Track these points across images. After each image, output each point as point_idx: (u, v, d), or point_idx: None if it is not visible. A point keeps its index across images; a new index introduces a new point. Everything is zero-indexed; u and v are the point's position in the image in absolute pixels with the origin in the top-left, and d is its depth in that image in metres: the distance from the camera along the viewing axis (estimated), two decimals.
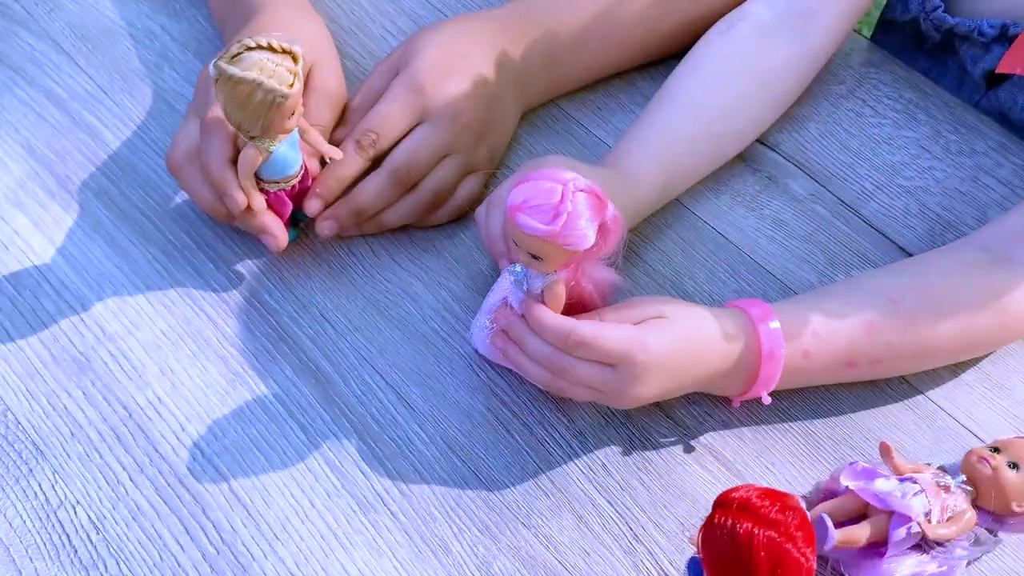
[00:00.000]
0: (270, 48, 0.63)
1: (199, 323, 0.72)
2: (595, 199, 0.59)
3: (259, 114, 0.64)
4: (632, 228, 0.75)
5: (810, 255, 0.76)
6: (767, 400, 0.66)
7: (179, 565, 0.62)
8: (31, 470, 0.65)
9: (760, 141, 0.81)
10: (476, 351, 0.70)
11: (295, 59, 0.64)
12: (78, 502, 0.64)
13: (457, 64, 0.75)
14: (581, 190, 0.58)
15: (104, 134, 0.81)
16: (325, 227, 0.73)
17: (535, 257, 0.60)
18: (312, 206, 0.72)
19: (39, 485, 0.65)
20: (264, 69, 0.62)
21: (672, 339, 0.63)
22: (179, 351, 0.70)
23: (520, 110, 0.81)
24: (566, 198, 0.57)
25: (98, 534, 0.63)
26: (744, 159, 0.80)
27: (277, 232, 0.71)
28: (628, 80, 0.84)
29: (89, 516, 0.64)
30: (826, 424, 0.68)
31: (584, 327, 0.62)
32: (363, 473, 0.65)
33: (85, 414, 0.68)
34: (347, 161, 0.73)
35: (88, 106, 0.83)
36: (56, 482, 0.65)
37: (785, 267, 0.75)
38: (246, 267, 0.74)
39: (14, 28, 0.86)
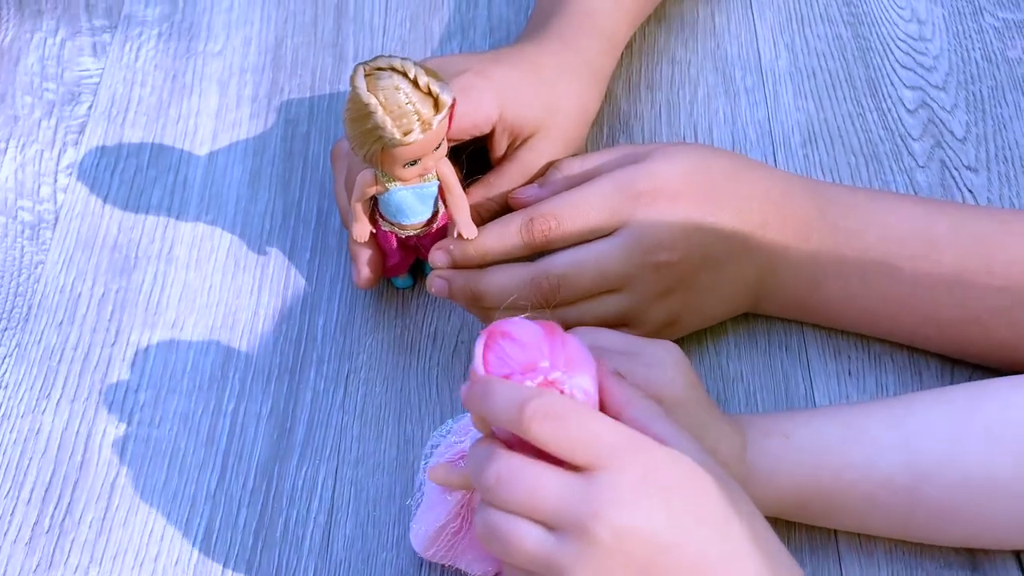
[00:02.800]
0: (414, 82, 0.48)
1: (243, 301, 0.60)
2: None
3: (365, 143, 0.49)
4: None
5: None
6: None
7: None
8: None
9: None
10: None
11: (438, 107, 0.48)
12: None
13: (695, 206, 0.53)
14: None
15: (346, 64, 0.70)
16: (435, 284, 0.56)
17: None
18: (437, 258, 0.56)
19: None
20: (389, 100, 0.47)
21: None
22: (204, 315, 0.59)
23: (745, 301, 0.57)
24: None
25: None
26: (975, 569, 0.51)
27: (361, 269, 0.57)
28: (916, 361, 0.57)
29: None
30: None
31: (564, 401, 0.40)
32: (220, 570, 0.51)
33: (84, 314, 0.59)
34: (504, 235, 0.54)
35: (361, 21, 0.72)
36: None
37: None
38: (331, 281, 0.61)
39: None
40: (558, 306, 0.53)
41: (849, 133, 0.68)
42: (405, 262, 0.59)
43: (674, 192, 0.53)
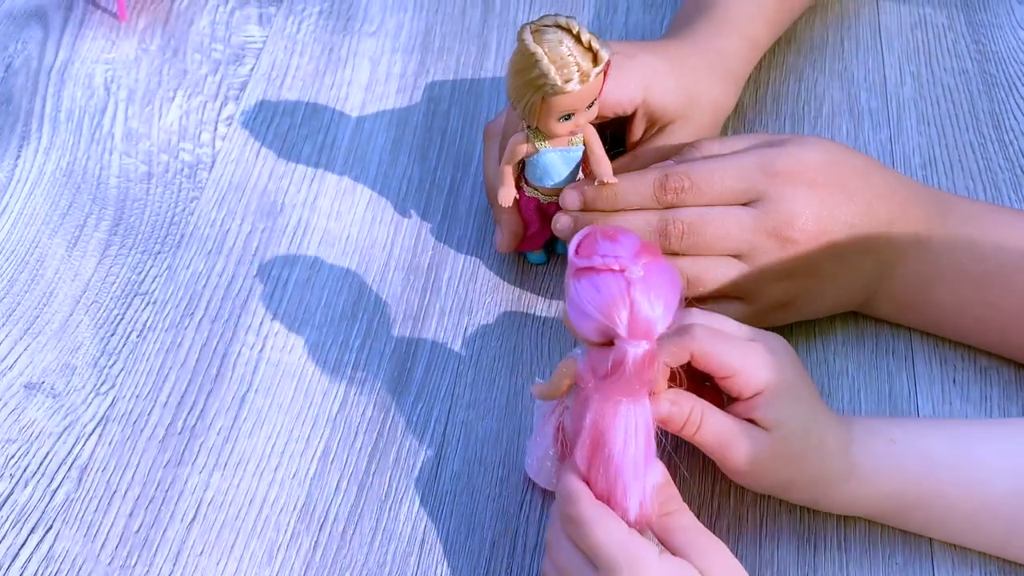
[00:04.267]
0: (576, 37, 0.52)
1: (377, 252, 0.63)
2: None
3: (524, 92, 0.53)
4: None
5: None
6: None
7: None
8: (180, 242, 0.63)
9: None
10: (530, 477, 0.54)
11: (596, 61, 0.52)
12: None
13: (829, 195, 0.55)
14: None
15: (489, 54, 0.74)
16: (561, 221, 0.57)
17: None
18: (570, 198, 0.56)
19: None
20: (553, 51, 0.51)
21: None
22: (340, 260, 0.63)
23: (859, 296, 0.58)
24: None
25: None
26: None
27: (504, 232, 0.60)
28: (1022, 377, 0.58)
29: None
30: None
31: (589, 506, 0.45)
32: (334, 487, 0.54)
33: (232, 247, 0.64)
34: (639, 184, 0.55)
35: (505, 16, 0.76)
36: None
37: None
38: (458, 242, 0.64)
39: None
40: (680, 255, 0.55)
41: (969, 160, 0.69)
42: (542, 235, 0.61)
43: (811, 178, 0.55)
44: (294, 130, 0.70)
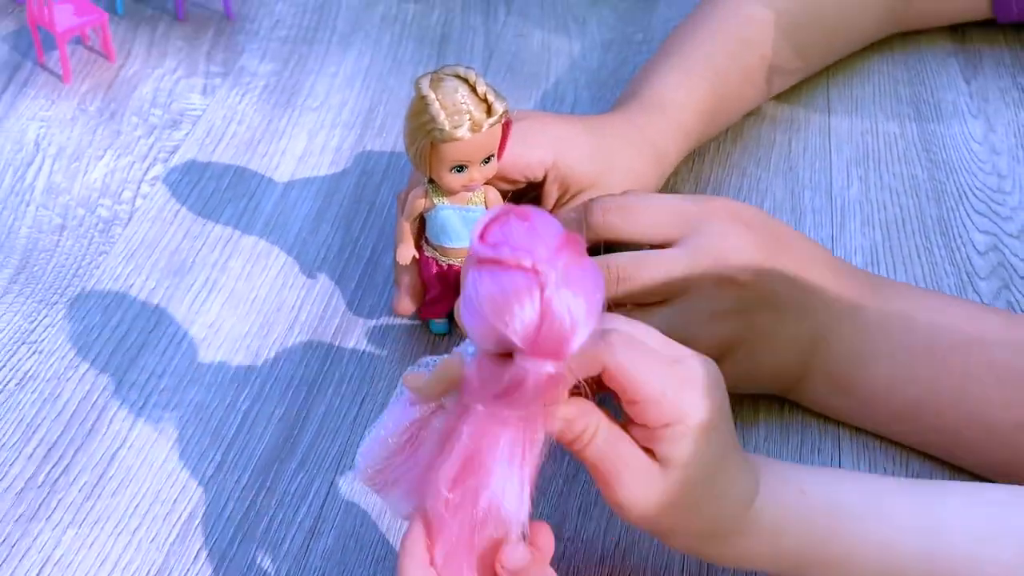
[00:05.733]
0: (472, 87, 0.50)
1: (283, 315, 0.61)
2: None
3: (416, 137, 0.51)
4: None
5: None
6: None
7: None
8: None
9: None
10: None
11: (490, 113, 0.50)
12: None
13: (764, 241, 0.52)
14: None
15: None
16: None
17: None
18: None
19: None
20: (446, 98, 0.50)
21: None
22: (242, 321, 0.60)
23: (794, 368, 0.54)
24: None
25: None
26: None
27: (401, 293, 0.58)
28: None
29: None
30: None
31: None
32: (194, 555, 0.50)
33: (132, 302, 0.61)
34: (562, 217, 0.54)
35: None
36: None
37: None
38: (370, 312, 0.61)
39: None
40: (612, 307, 0.50)
41: (914, 263, 0.66)
42: (444, 303, 0.59)
43: (748, 221, 0.52)
44: (218, 194, 0.68)
